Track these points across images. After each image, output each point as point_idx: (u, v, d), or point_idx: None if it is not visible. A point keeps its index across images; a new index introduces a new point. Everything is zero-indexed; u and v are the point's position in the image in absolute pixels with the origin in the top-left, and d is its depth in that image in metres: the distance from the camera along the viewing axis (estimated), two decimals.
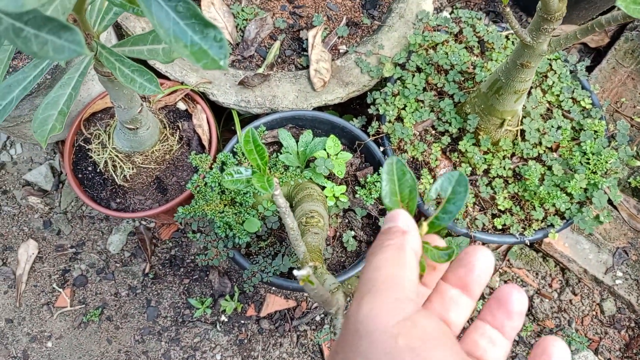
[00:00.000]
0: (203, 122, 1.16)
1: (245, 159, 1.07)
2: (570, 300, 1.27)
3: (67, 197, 1.33)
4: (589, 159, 1.09)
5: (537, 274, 1.28)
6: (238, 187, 0.62)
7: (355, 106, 1.37)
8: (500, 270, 1.28)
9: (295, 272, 0.52)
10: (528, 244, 1.11)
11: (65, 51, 0.38)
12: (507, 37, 1.25)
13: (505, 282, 1.29)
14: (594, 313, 1.27)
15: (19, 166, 1.35)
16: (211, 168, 1.03)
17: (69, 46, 0.39)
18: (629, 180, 1.31)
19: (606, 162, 1.07)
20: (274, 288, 1.30)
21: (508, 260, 1.30)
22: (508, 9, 0.86)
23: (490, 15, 1.66)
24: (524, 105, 1.13)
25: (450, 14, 1.66)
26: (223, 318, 1.28)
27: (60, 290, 1.28)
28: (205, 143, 1.14)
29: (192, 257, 1.30)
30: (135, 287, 1.28)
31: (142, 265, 1.30)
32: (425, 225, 0.57)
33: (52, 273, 1.29)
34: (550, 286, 1.28)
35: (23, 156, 1.36)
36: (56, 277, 1.29)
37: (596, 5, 1.47)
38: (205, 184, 0.99)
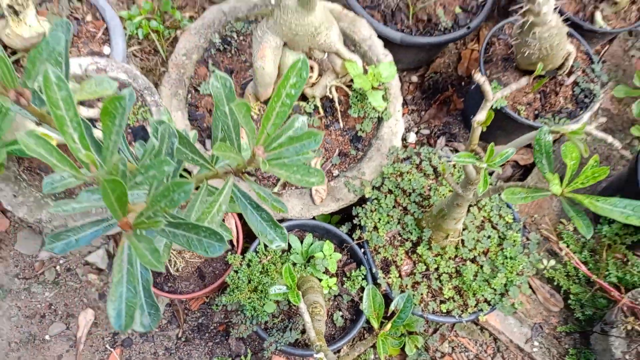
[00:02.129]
0: (232, 226, 1.58)
1: (265, 256, 1.48)
2: None
3: None
4: (508, 262, 1.54)
5: (476, 342, 1.70)
6: (279, 297, 1.04)
7: (344, 214, 1.81)
8: (449, 338, 1.70)
9: (315, 355, 0.93)
10: (465, 323, 1.53)
11: (216, 249, 0.79)
12: (454, 166, 1.72)
13: (453, 348, 1.70)
14: None
15: (81, 249, 1.73)
16: (241, 264, 1.44)
17: (218, 245, 0.79)
18: (544, 272, 1.77)
19: (519, 265, 1.52)
20: (278, 350, 1.68)
21: (455, 331, 1.72)
22: (447, 175, 1.33)
23: (446, 136, 2.15)
24: (464, 221, 1.58)
25: (416, 133, 2.16)
26: None
27: (112, 349, 1.63)
28: (234, 242, 1.56)
29: (215, 324, 1.68)
30: (170, 348, 1.65)
31: (176, 330, 1.67)
32: (388, 326, 1.01)
33: (105, 336, 1.65)
34: (486, 352, 1.69)
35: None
36: (108, 339, 1.64)
37: (508, 132, 1.96)
38: (239, 278, 1.39)
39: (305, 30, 1.46)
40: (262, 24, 1.49)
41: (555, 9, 1.57)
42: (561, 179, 1.01)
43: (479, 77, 0.98)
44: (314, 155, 0.84)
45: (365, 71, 1.70)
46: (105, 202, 0.62)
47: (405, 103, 2.20)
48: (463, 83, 2.22)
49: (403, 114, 2.17)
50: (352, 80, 1.69)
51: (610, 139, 1.09)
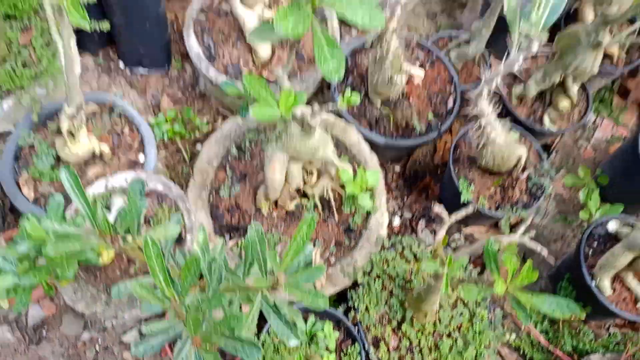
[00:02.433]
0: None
1: (276, 336, 1.79)
2: None
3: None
4: (477, 336, 1.85)
5: None
6: None
7: (339, 294, 2.13)
8: None
9: None
10: None
11: (254, 355, 1.10)
12: (431, 252, 2.06)
13: None
14: None
15: (117, 329, 2.02)
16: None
17: (256, 352, 1.10)
18: (509, 341, 2.08)
19: (486, 339, 1.84)
20: None
21: None
22: (421, 271, 1.66)
23: (426, 218, 2.51)
24: (440, 301, 1.91)
25: (400, 217, 2.50)
26: None
27: None
28: None
29: None
30: None
31: None
32: None
33: None
34: None
35: (119, 322, 2.04)
36: None
37: (475, 219, 2.33)
38: None
39: (307, 150, 1.83)
40: (272, 144, 1.86)
41: (511, 114, 1.97)
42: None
43: (437, 208, 1.34)
44: (319, 276, 1.18)
45: (355, 172, 2.07)
46: (187, 328, 0.96)
47: (390, 190, 2.57)
48: (439, 171, 2.61)
49: (388, 200, 2.53)
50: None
51: (539, 248, 1.44)
